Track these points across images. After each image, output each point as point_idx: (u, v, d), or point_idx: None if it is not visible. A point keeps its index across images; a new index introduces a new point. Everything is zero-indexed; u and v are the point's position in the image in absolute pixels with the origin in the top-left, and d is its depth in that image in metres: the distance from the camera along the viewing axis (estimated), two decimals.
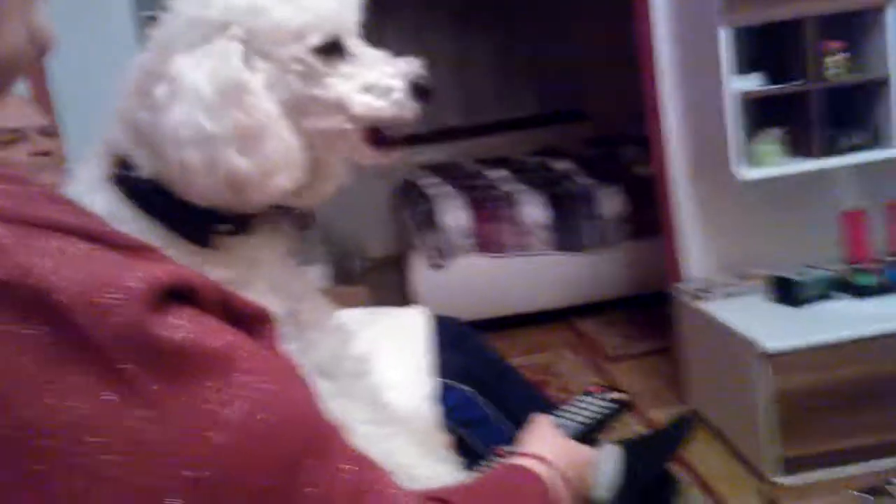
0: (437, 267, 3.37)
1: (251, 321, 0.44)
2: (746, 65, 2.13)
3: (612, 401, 0.87)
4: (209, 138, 0.66)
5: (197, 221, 0.71)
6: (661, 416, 2.40)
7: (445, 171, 4.16)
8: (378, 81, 0.73)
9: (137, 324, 0.35)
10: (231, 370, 0.38)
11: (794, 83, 2.10)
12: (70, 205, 0.39)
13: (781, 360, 1.97)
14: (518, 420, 1.33)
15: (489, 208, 3.44)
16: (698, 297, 2.30)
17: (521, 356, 3.05)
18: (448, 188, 3.74)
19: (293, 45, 0.70)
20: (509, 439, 1.27)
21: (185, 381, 0.36)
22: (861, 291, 2.14)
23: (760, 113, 2.21)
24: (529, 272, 3.39)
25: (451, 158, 4.59)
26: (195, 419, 0.36)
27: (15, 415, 0.33)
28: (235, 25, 0.69)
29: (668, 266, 2.51)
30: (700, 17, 2.16)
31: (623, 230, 3.42)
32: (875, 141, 2.12)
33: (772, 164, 2.14)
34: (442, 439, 1.02)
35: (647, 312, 3.30)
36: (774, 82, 2.13)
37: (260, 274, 0.74)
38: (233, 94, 0.67)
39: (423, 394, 1.11)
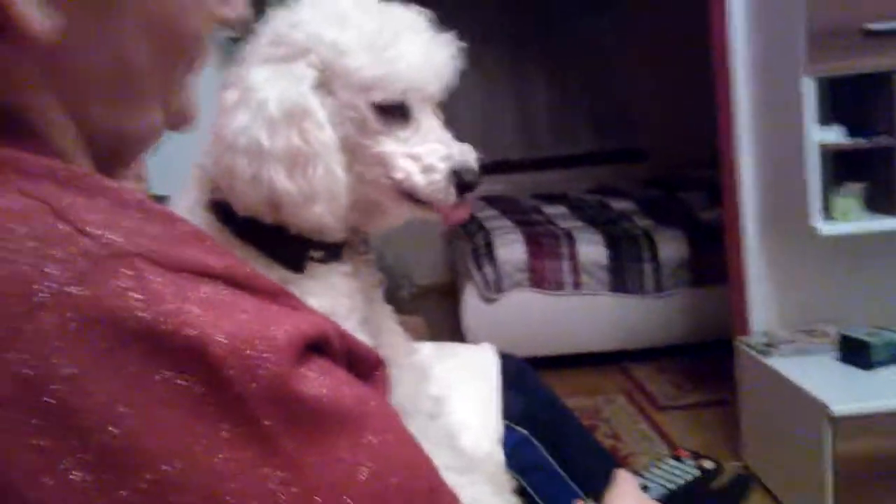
0: (490, 300, 3.33)
1: (368, 367, 0.43)
2: (823, 115, 2.07)
3: (700, 468, 0.82)
4: (262, 152, 0.67)
5: (292, 247, 0.71)
6: None
7: (503, 204, 4.15)
8: (425, 157, 0.72)
9: (282, 378, 0.34)
10: (362, 429, 0.37)
11: (879, 137, 2.03)
12: (213, 244, 0.39)
13: (848, 425, 1.88)
14: (573, 468, 1.28)
15: (546, 244, 3.40)
16: (764, 352, 2.22)
17: (569, 398, 2.96)
18: (506, 221, 3.72)
19: (357, 94, 0.70)
20: (564, 487, 1.23)
21: (320, 440, 0.35)
22: None
23: (837, 166, 2.14)
24: (583, 312, 3.33)
25: (508, 192, 4.58)
26: (331, 482, 0.35)
27: (155, 468, 0.32)
28: (314, 55, 0.69)
29: (733, 317, 2.43)
30: (782, 64, 2.11)
31: (682, 276, 3.34)
32: None
33: (850, 219, 2.07)
34: (511, 485, 0.99)
35: (701, 362, 3.21)
36: (851, 135, 2.07)
37: (353, 306, 0.73)
38: (296, 116, 0.68)
39: (494, 437, 1.08)
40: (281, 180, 0.67)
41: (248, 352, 0.33)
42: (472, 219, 3.86)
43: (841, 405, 1.88)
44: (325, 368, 0.37)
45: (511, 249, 3.38)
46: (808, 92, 1.98)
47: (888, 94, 1.99)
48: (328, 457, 0.35)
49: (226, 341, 0.33)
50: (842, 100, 2.15)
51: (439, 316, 3.97)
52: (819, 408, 1.91)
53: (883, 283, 2.31)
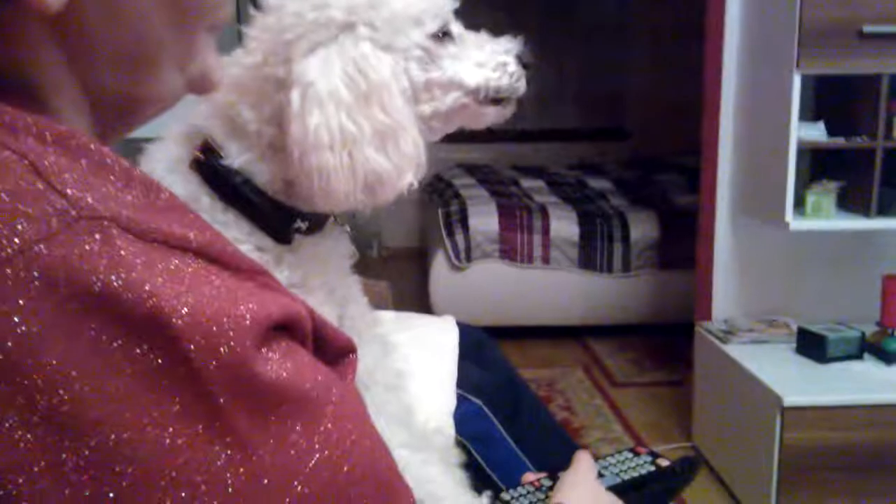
0: (459, 268, 3.34)
1: (338, 352, 0.43)
2: (805, 112, 2.08)
3: (655, 465, 0.84)
4: (351, 140, 0.66)
5: (278, 217, 0.70)
6: (661, 449, 2.37)
7: (481, 173, 4.13)
8: (490, 59, 0.75)
9: (243, 357, 0.34)
10: (320, 415, 0.36)
11: (859, 139, 2.04)
12: (195, 217, 0.38)
13: (798, 416, 1.93)
14: (524, 441, 1.30)
15: (519, 217, 3.40)
16: (723, 339, 2.26)
17: (528, 369, 3.02)
18: (482, 191, 3.71)
19: (414, 32, 0.71)
20: (514, 459, 1.24)
21: (275, 423, 0.35)
22: (889, 357, 2.09)
23: (813, 163, 2.15)
24: (550, 286, 3.35)
25: (488, 161, 4.55)
26: (282, 466, 0.34)
27: (101, 436, 0.31)
28: (361, 24, 0.68)
29: (697, 302, 2.47)
30: (772, 60, 2.10)
31: (650, 258, 3.37)
32: None
33: (823, 216, 2.09)
34: (459, 459, 0.99)
35: (661, 343, 3.27)
36: (831, 134, 2.08)
37: (325, 278, 0.72)
38: (374, 93, 0.67)
39: (446, 410, 1.08)
40: (379, 161, 0.67)
41: (212, 328, 0.33)
42: (449, 185, 3.84)
43: (792, 396, 1.93)
44: (289, 351, 0.36)
45: (484, 220, 3.37)
46: (796, 89, 1.98)
47: (874, 96, 2.00)
48: (282, 440, 0.35)
49: (189, 315, 0.33)
50: (825, 97, 2.16)
51: (406, 280, 3.97)
52: (771, 396, 1.96)
53: (847, 280, 2.35)
